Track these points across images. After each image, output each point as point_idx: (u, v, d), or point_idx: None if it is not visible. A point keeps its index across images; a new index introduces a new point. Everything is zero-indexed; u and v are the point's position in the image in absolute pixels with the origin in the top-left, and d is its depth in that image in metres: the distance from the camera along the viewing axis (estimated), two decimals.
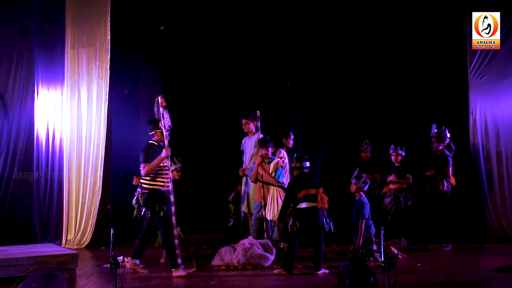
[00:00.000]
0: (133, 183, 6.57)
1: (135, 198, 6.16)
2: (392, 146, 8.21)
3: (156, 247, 6.97)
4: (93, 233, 8.16)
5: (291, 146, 7.80)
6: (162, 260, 6.78)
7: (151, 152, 6.10)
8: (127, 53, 8.95)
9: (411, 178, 8.07)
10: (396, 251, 6.69)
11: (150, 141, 6.29)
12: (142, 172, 6.07)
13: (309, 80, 9.41)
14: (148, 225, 6.22)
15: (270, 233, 7.16)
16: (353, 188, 6.96)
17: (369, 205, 6.96)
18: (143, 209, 6.07)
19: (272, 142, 7.24)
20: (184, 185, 8.29)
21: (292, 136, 7.80)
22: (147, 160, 6.04)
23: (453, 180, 7.75)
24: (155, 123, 6.28)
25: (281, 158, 7.34)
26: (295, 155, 6.55)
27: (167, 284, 5.67)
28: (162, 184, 6.13)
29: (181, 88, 9.48)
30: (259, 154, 7.16)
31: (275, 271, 6.04)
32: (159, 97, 6.21)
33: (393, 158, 8.17)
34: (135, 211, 6.13)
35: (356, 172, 7.00)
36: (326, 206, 6.06)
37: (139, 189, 6.19)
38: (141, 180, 6.19)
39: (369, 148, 8.60)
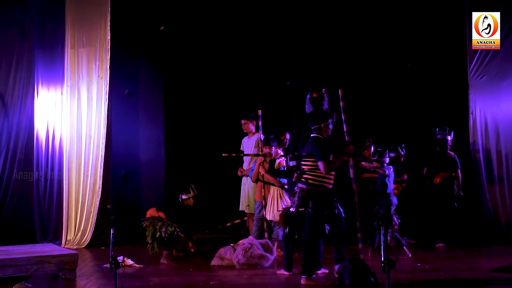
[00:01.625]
0: (293, 180, 6.01)
1: (297, 195, 5.71)
2: (403, 145, 8.20)
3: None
4: (93, 233, 8.17)
5: (286, 146, 7.77)
6: (162, 260, 6.77)
7: (326, 148, 5.57)
8: (127, 53, 8.95)
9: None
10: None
11: (315, 135, 5.70)
12: (322, 170, 5.50)
13: (309, 80, 9.39)
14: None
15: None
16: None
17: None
18: (304, 207, 5.64)
19: (276, 142, 7.25)
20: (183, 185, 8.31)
21: (287, 136, 7.72)
22: (325, 158, 5.52)
23: (436, 179, 7.88)
24: (322, 115, 5.80)
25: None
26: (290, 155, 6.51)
27: (167, 284, 5.67)
28: (329, 181, 5.64)
29: (181, 88, 9.48)
30: (262, 152, 7.17)
31: (277, 272, 6.05)
32: (324, 89, 5.96)
33: (402, 158, 8.18)
34: (295, 209, 5.68)
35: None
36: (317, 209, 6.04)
37: (302, 185, 5.70)
38: (307, 176, 5.66)
39: (373, 147, 8.49)
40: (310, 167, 5.66)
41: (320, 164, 5.51)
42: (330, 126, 5.76)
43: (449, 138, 7.90)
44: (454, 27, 8.57)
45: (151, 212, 6.93)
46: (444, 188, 7.84)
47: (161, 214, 6.84)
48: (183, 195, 7.11)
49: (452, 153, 7.90)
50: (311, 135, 5.76)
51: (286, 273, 5.97)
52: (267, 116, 7.76)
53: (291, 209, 5.80)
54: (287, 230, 5.95)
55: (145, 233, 6.83)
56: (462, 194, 7.88)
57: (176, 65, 9.48)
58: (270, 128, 7.67)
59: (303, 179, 5.71)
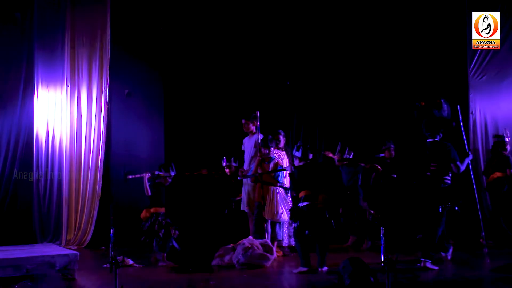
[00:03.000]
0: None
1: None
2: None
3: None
4: (93, 233, 8.18)
5: (282, 146, 7.76)
6: (161, 264, 6.72)
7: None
8: (127, 53, 8.95)
9: None
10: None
11: (435, 140, 6.30)
12: (457, 170, 6.20)
13: (309, 81, 9.40)
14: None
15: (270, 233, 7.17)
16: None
17: None
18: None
19: (274, 142, 7.25)
20: (184, 185, 8.30)
21: (280, 137, 7.69)
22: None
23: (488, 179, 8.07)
24: (443, 123, 6.39)
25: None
26: (297, 144, 6.55)
27: (167, 284, 5.67)
28: (449, 179, 6.29)
29: (181, 87, 9.47)
30: (259, 154, 7.18)
31: (294, 271, 6.05)
32: (442, 100, 6.50)
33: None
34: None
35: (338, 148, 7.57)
36: (326, 205, 6.09)
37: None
38: (443, 177, 6.25)
39: (393, 147, 8.40)
40: (442, 169, 6.22)
41: (456, 166, 6.19)
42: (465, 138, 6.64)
43: (507, 139, 7.91)
44: (454, 27, 8.57)
45: (144, 214, 6.91)
46: (498, 187, 7.87)
47: (152, 210, 6.84)
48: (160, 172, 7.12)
49: (506, 152, 7.91)
50: (430, 140, 6.32)
51: (304, 269, 5.97)
52: (267, 116, 7.76)
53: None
54: (297, 223, 6.08)
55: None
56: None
57: (176, 65, 9.48)
58: (270, 128, 7.68)
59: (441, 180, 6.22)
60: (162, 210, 6.85)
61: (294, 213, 6.20)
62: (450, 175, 6.25)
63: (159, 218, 6.76)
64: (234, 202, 7.95)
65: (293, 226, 6.51)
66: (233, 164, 8.06)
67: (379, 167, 8.02)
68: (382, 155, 8.23)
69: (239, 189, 7.78)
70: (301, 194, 6.18)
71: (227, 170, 8.04)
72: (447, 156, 6.19)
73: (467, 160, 6.36)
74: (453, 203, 6.20)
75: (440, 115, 6.43)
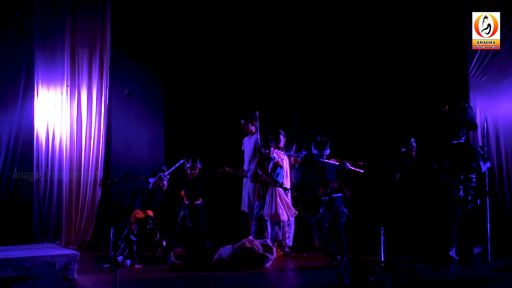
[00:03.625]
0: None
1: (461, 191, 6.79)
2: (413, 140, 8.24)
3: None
4: (93, 233, 8.18)
5: (282, 146, 7.76)
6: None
7: None
8: (127, 53, 8.95)
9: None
10: None
11: (462, 142, 6.95)
12: (483, 168, 6.80)
13: (309, 81, 9.40)
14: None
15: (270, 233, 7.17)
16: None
17: None
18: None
19: (275, 142, 7.26)
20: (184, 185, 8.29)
21: (281, 137, 7.69)
22: None
23: None
24: (467, 125, 7.00)
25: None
26: (318, 139, 6.64)
27: (167, 283, 5.68)
28: (475, 178, 6.90)
29: (181, 87, 9.47)
30: (259, 153, 7.18)
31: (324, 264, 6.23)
32: (466, 104, 7.03)
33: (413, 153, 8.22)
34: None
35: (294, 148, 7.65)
36: (349, 194, 6.50)
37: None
38: (469, 176, 6.84)
39: (415, 148, 8.16)
40: (468, 169, 6.78)
41: (478, 165, 6.74)
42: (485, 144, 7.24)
43: None
44: (454, 27, 8.57)
45: (140, 214, 6.82)
46: None
47: (140, 213, 6.76)
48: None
49: None
50: (455, 142, 6.91)
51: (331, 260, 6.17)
52: (267, 116, 7.76)
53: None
54: (320, 213, 6.29)
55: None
56: None
57: (176, 65, 9.48)
58: (270, 128, 7.68)
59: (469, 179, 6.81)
60: (151, 213, 6.78)
61: (323, 203, 6.35)
62: (474, 174, 6.79)
63: (150, 221, 6.68)
64: (194, 205, 7.82)
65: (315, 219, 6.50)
66: (198, 165, 7.87)
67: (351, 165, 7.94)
68: (404, 149, 8.18)
69: (200, 192, 7.78)
70: (321, 190, 6.40)
71: (192, 172, 7.84)
72: (472, 155, 6.75)
73: (488, 164, 6.89)
74: (483, 197, 6.78)
75: (464, 118, 6.94)
